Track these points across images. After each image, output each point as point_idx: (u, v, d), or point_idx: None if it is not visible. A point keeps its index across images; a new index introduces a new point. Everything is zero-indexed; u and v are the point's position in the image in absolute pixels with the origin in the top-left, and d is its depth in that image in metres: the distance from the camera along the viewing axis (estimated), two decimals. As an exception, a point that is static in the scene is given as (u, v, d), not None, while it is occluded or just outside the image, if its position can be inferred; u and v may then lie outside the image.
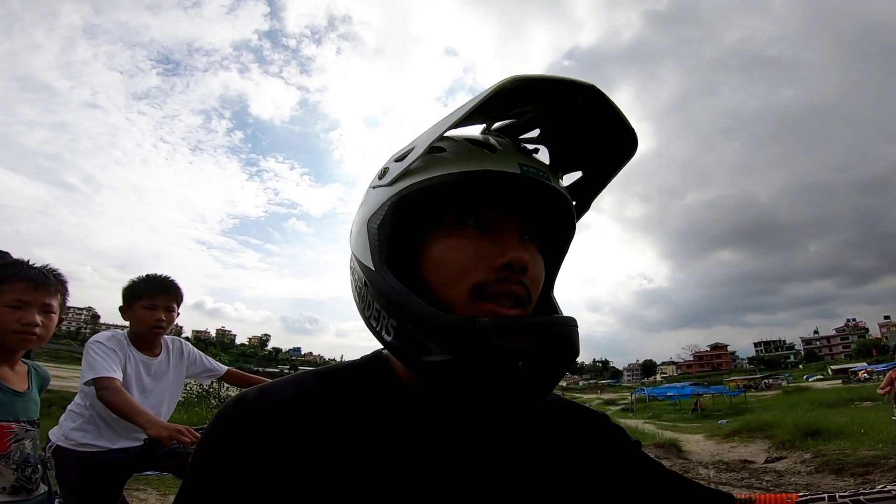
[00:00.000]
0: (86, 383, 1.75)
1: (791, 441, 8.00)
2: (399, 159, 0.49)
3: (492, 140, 0.49)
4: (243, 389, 0.51)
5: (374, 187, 0.51)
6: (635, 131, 0.47)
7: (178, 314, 2.03)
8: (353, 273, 0.52)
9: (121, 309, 1.97)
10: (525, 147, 0.52)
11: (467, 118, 0.44)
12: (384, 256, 0.47)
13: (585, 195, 0.55)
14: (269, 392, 0.47)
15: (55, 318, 1.38)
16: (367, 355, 0.55)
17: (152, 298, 1.94)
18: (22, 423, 1.32)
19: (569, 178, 0.56)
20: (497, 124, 0.52)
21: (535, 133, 0.53)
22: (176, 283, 2.03)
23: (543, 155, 0.54)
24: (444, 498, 0.44)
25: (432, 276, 0.46)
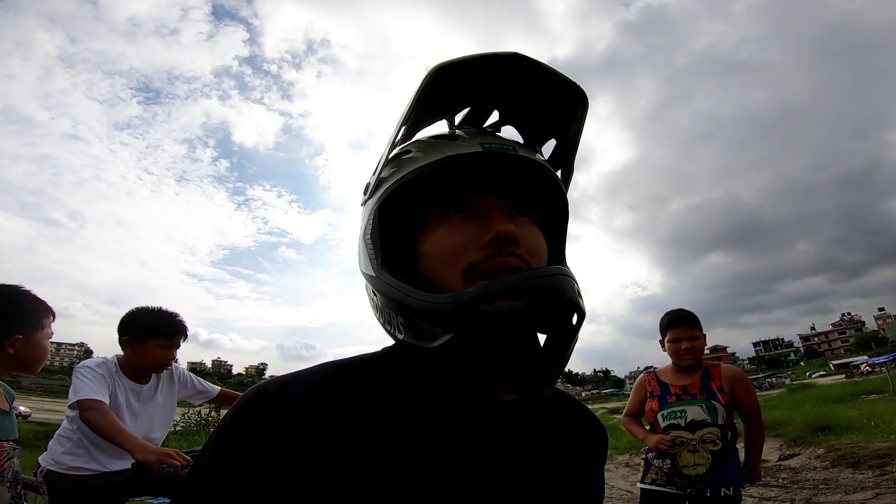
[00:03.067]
0: (71, 406, 1.74)
1: (802, 438, 7.91)
2: (374, 172, 0.52)
3: (456, 132, 0.50)
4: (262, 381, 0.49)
5: (362, 205, 0.53)
6: (575, 83, 0.48)
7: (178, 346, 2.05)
8: (367, 291, 0.53)
9: (125, 341, 1.92)
10: (487, 129, 0.54)
11: (416, 119, 0.49)
12: (380, 261, 0.48)
13: (565, 160, 0.56)
14: (290, 384, 0.44)
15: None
16: (389, 347, 0.53)
17: (171, 339, 1.94)
18: (10, 442, 1.33)
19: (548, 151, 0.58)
20: (458, 117, 0.52)
21: (496, 117, 0.55)
22: (185, 322, 2.04)
23: (514, 135, 0.56)
24: (469, 488, 0.44)
25: (429, 268, 0.48)
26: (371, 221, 0.49)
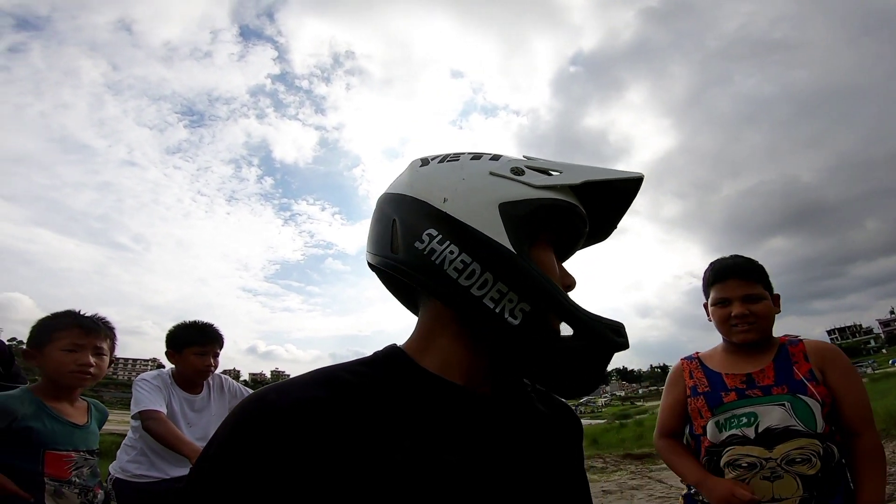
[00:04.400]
0: (133, 417, 1.91)
1: (886, 430, 7.27)
2: (538, 170, 0.53)
3: None
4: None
5: (497, 174, 0.51)
6: (642, 178, 0.55)
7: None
8: (443, 243, 0.48)
9: (168, 353, 2.09)
10: None
11: (595, 184, 0.53)
12: (529, 244, 0.49)
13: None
14: (289, 391, 0.43)
15: (106, 359, 1.55)
16: (381, 351, 0.53)
17: (204, 346, 2.08)
18: (81, 452, 1.47)
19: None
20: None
21: None
22: (220, 332, 2.17)
23: None
24: (492, 487, 0.45)
25: None
26: (531, 206, 0.49)
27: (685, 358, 1.53)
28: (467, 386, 0.50)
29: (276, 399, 0.42)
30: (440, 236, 0.48)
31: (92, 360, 1.48)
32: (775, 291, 1.44)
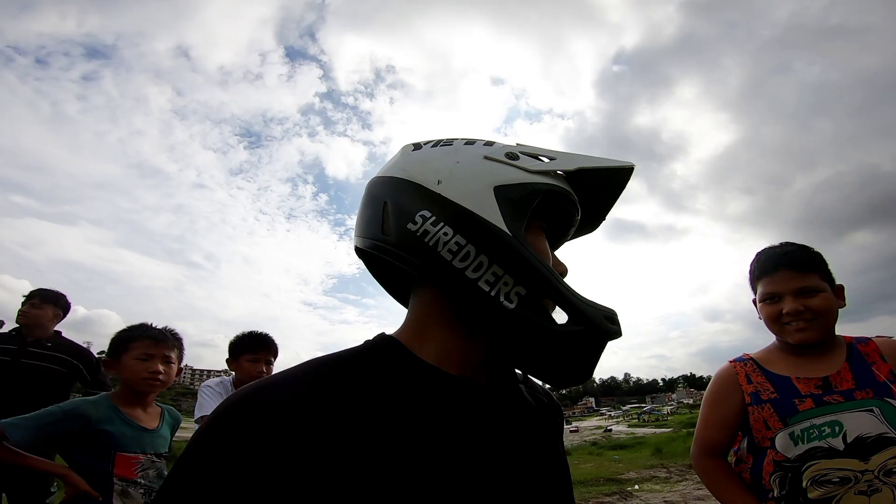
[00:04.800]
0: (196, 421, 2.04)
1: None
2: (532, 155, 0.52)
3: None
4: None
5: (492, 159, 0.51)
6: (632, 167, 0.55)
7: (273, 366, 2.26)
8: (437, 224, 0.46)
9: (228, 361, 2.23)
10: None
11: (589, 169, 0.53)
12: (524, 227, 0.48)
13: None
14: (277, 388, 0.41)
15: (174, 367, 1.66)
16: (372, 340, 0.50)
17: (256, 353, 2.17)
18: (149, 455, 1.55)
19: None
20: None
21: None
22: (273, 340, 2.24)
23: None
24: (492, 478, 0.44)
25: None
26: (526, 190, 0.49)
27: (735, 360, 1.29)
28: (464, 376, 0.48)
29: (262, 396, 0.40)
30: (434, 218, 0.46)
31: (161, 368, 1.59)
32: (838, 283, 1.22)
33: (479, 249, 0.45)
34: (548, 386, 0.57)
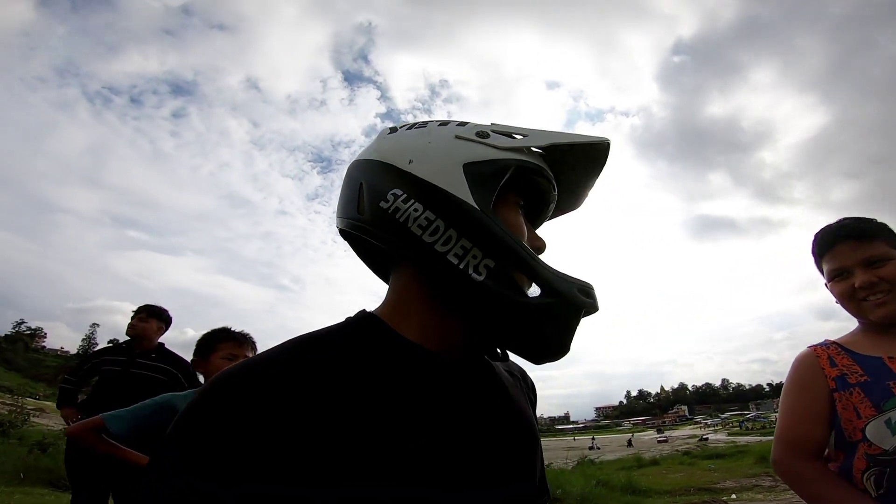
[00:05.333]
0: None
1: None
2: (504, 133, 0.53)
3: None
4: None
5: (462, 138, 0.52)
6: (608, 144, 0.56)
7: None
8: (407, 201, 0.48)
9: (195, 361, 2.01)
10: None
11: (566, 146, 0.55)
12: (495, 203, 0.49)
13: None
14: (261, 367, 0.42)
15: None
16: (352, 318, 0.52)
17: (234, 350, 2.00)
18: None
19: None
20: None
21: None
22: (252, 338, 2.08)
23: None
24: (472, 455, 0.46)
25: None
26: (495, 166, 0.50)
27: (815, 344, 1.14)
28: (444, 353, 0.50)
29: (249, 376, 0.41)
30: (405, 195, 0.48)
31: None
32: None
33: (448, 223, 0.46)
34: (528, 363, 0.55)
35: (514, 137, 0.53)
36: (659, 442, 34.03)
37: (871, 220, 1.12)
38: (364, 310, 0.53)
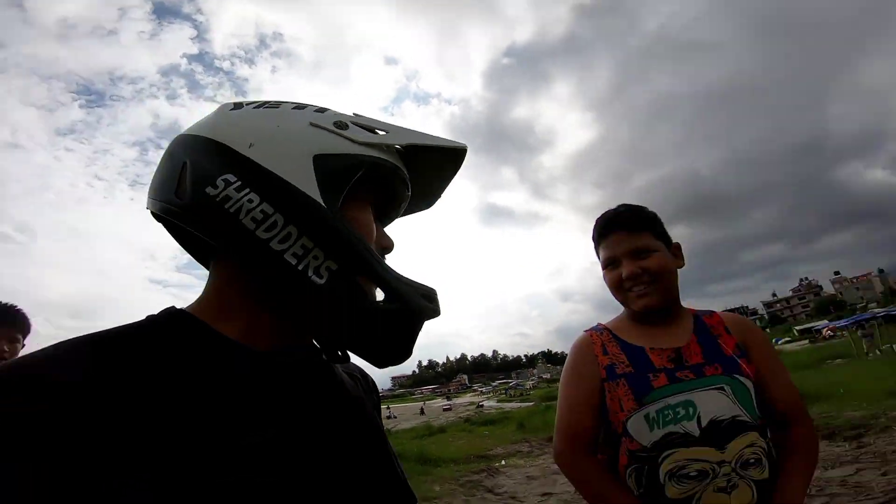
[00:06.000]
0: None
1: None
2: (365, 127, 0.50)
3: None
4: None
5: (318, 126, 0.48)
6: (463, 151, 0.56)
7: (24, 345, 1.78)
8: (241, 190, 0.43)
9: None
10: None
11: (424, 147, 0.53)
12: (344, 201, 0.46)
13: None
14: (61, 363, 0.35)
15: (19, 346, 1.62)
16: (156, 315, 0.45)
17: None
18: None
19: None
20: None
21: None
22: (19, 313, 1.77)
23: None
24: (307, 463, 0.43)
25: None
26: (351, 161, 0.47)
27: (592, 329, 1.14)
28: (273, 354, 0.46)
29: (49, 372, 0.34)
30: (239, 183, 0.43)
31: (6, 346, 1.55)
32: (674, 241, 1.14)
33: (288, 219, 0.42)
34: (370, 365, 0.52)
35: (375, 133, 0.50)
36: (444, 410, 38.04)
37: (643, 209, 1.13)
38: (173, 307, 0.46)
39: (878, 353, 15.85)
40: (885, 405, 6.43)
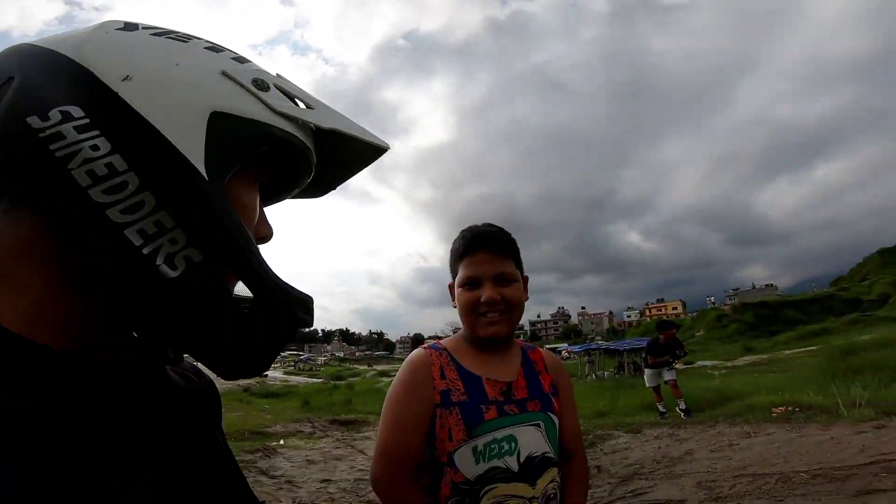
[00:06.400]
0: None
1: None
2: (288, 95, 0.42)
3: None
4: None
5: (231, 77, 0.38)
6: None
7: None
8: (85, 131, 0.31)
9: None
10: None
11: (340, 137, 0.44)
12: (232, 173, 0.36)
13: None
14: None
15: None
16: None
17: None
18: None
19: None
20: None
21: None
22: None
23: None
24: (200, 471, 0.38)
25: None
26: (267, 129, 0.38)
27: (431, 347, 1.05)
28: (67, 348, 0.33)
29: None
30: (86, 121, 0.32)
31: None
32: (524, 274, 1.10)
33: (146, 184, 0.32)
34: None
35: (296, 103, 0.42)
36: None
37: (508, 234, 1.07)
38: None
39: (594, 377, 20.82)
40: (593, 423, 7.09)
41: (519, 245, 1.10)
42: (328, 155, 0.46)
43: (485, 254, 1.03)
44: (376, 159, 0.49)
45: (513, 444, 0.94)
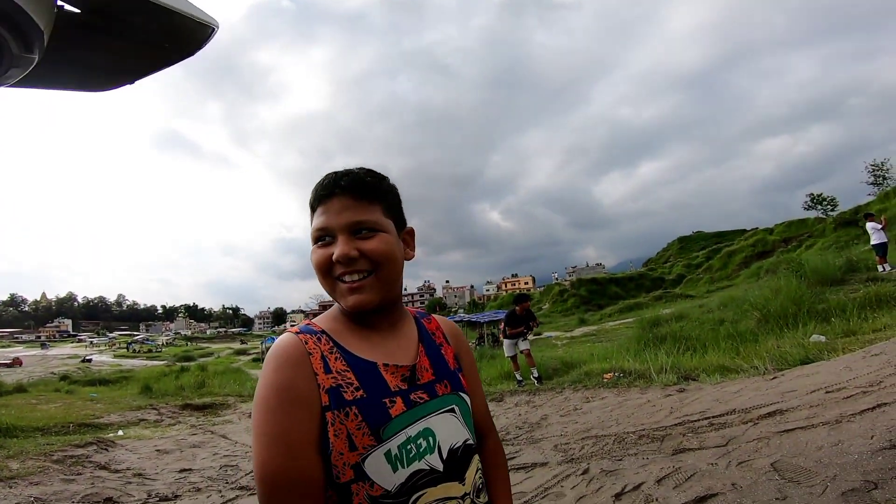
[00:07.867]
0: None
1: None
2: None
3: None
4: None
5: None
6: None
7: None
8: None
9: None
10: None
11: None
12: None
13: None
14: None
15: None
16: None
17: None
18: None
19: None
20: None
21: None
22: None
23: None
24: None
25: None
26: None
27: (304, 331, 0.78)
28: None
29: None
30: None
31: None
32: (409, 226, 0.90)
33: None
34: None
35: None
36: (4, 365, 27.03)
37: (381, 177, 0.85)
38: None
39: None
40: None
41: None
42: (127, 31, 0.31)
43: (338, 200, 0.79)
44: (202, 46, 0.31)
45: (431, 440, 0.77)
